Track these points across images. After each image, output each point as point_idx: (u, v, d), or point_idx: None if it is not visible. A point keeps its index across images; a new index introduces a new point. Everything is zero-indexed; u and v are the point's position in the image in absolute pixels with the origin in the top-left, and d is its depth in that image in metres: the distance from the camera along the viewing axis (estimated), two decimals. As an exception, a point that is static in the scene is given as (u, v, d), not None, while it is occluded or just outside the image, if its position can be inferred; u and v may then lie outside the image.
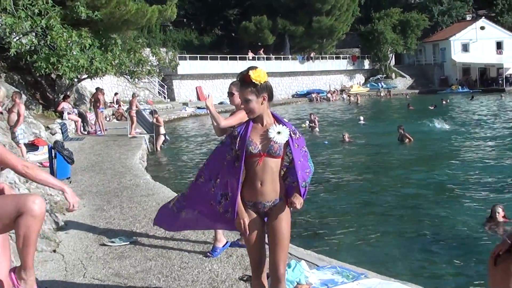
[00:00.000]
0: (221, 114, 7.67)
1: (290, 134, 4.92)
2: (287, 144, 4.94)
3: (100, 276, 7.11)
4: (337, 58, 77.61)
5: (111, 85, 44.94)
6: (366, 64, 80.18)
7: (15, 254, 4.84)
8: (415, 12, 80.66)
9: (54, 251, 8.14)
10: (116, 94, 43.42)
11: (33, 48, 24.75)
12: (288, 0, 70.57)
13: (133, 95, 28.41)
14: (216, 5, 76.78)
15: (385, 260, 10.17)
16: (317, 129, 32.08)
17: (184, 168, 21.46)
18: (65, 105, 27.18)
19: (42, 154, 17.92)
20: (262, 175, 4.85)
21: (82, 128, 27.29)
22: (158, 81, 54.77)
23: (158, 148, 24.79)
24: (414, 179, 18.00)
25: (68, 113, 26.86)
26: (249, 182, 4.90)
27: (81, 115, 28.13)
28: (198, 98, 59.52)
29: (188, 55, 60.24)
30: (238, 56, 64.89)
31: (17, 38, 24.08)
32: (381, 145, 25.92)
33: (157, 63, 35.46)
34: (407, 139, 25.30)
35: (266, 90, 4.87)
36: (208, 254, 7.73)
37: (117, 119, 36.38)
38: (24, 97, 22.87)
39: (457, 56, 77.34)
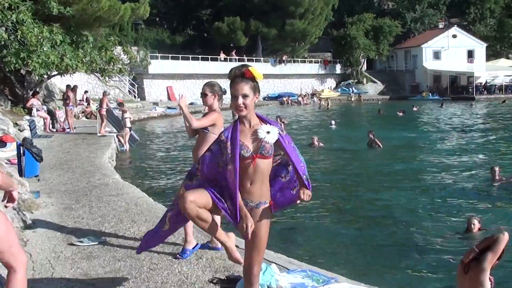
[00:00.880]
0: (192, 115, 7.61)
1: (279, 133, 4.89)
2: (276, 142, 4.91)
3: (68, 276, 7.01)
4: (309, 62, 77.84)
5: (81, 83, 44.55)
6: (338, 68, 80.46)
7: None
8: (388, 18, 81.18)
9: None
10: (86, 92, 43.10)
11: (2, 42, 24.49)
12: (262, 2, 70.71)
13: (104, 94, 28.24)
14: (189, 5, 76.45)
15: (356, 265, 10.21)
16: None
17: (154, 167, 21.37)
18: (34, 102, 26.92)
19: (10, 151, 17.64)
20: (253, 175, 4.81)
21: (51, 126, 27.04)
22: (129, 80, 54.50)
23: (126, 143, 24.56)
24: (384, 184, 18.09)
25: (37, 110, 26.61)
26: (240, 184, 4.84)
27: (50, 112, 27.87)
28: (169, 98, 59.30)
29: (159, 55, 59.97)
30: (210, 56, 64.81)
31: (-14, 32, 23.83)
32: (350, 150, 26.02)
33: (129, 61, 35.27)
34: (377, 145, 25.43)
35: (258, 90, 4.85)
36: (178, 256, 7.66)
37: (87, 117, 36.09)
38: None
39: (429, 63, 77.97)
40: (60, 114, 29.11)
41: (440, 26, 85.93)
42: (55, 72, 28.69)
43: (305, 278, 6.97)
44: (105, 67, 30.81)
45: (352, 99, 71.40)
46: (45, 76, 28.52)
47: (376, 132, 26.83)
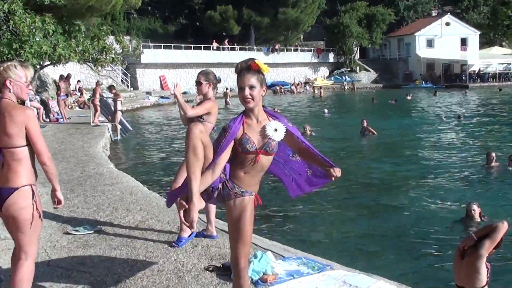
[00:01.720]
0: (187, 103, 7.62)
1: (286, 130, 4.90)
2: (287, 136, 4.94)
3: (65, 264, 7.03)
4: (302, 50, 77.77)
5: (74, 73, 44.42)
6: (331, 57, 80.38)
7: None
8: (381, 6, 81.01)
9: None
10: (78, 81, 43.02)
11: (-6, 33, 24.43)
12: (254, -10, 70.54)
13: (97, 83, 28.20)
14: (181, -6, 76.29)
15: (351, 253, 10.26)
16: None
17: (148, 157, 21.39)
18: (27, 92, 26.83)
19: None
20: (250, 168, 4.83)
21: (44, 116, 27.00)
22: (122, 70, 54.39)
23: (118, 130, 24.66)
24: (379, 172, 18.14)
25: (30, 100, 26.54)
26: (233, 170, 4.86)
27: (43, 102, 27.82)
28: (162, 88, 59.24)
29: (152, 44, 59.81)
30: (202, 45, 64.68)
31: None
32: (344, 138, 26.05)
33: (121, 51, 35.17)
34: (370, 132, 25.47)
35: (265, 83, 4.84)
36: (173, 244, 7.68)
37: (80, 107, 36.03)
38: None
39: (422, 51, 77.98)
40: (53, 104, 29.07)
41: (434, 14, 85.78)
42: (48, 62, 28.61)
43: (301, 266, 7.01)
44: (98, 57, 30.71)
45: (345, 88, 71.39)
46: (38, 66, 28.43)
47: (369, 120, 26.86)
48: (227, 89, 50.71)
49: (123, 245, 7.76)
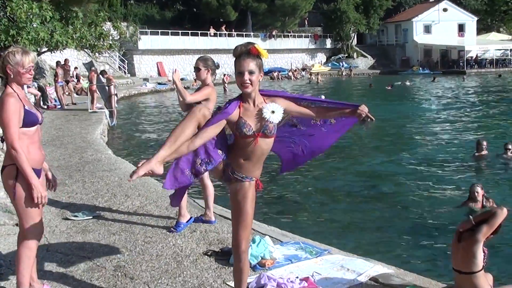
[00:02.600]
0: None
1: (285, 109, 4.92)
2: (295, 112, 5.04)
3: (64, 249, 7.08)
4: (299, 36, 77.62)
5: (71, 59, 44.18)
6: (328, 43, 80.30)
7: None
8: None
9: (17, 224, 8.06)
10: (75, 68, 42.90)
11: (-9, 19, 24.36)
12: (252, -24, 70.30)
13: (92, 70, 28.04)
14: (178, -21, 76.03)
15: (350, 238, 10.32)
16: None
17: (145, 143, 21.44)
18: (24, 78, 26.78)
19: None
20: (250, 154, 4.84)
21: (42, 102, 26.98)
22: (119, 56, 54.28)
23: (114, 109, 24.85)
24: (377, 158, 18.22)
25: (28, 87, 26.47)
26: (235, 158, 4.88)
27: (40, 89, 27.77)
28: (159, 74, 59.17)
29: (149, 30, 59.67)
30: (199, 32, 64.53)
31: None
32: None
33: (118, 37, 35.09)
34: (369, 118, 25.34)
35: (262, 68, 4.86)
36: (172, 229, 7.73)
37: (77, 94, 35.95)
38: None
39: (419, 37, 77.92)
40: (51, 91, 29.03)
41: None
42: (45, 49, 28.55)
43: (298, 250, 7.07)
44: (95, 43, 30.62)
45: (343, 74, 71.34)
46: (35, 53, 28.33)
47: (367, 105, 26.78)
48: (224, 75, 50.63)
49: (122, 230, 7.80)
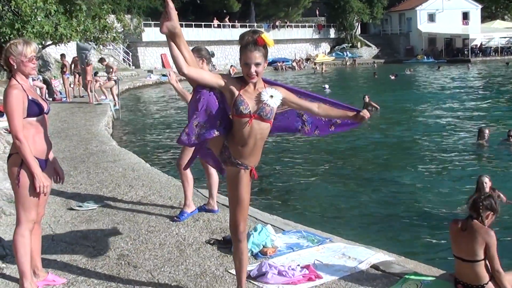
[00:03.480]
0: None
1: (284, 98, 4.99)
2: (287, 97, 5.06)
3: (69, 239, 7.17)
4: (303, 27, 77.50)
5: (75, 52, 44.36)
6: (332, 33, 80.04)
7: None
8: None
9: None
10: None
11: (-4, 14, 24.43)
12: (254, -34, 70.19)
13: (87, 63, 27.60)
14: (181, -29, 75.85)
15: (351, 227, 10.40)
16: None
17: (149, 134, 21.54)
18: (29, 71, 26.85)
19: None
20: (247, 138, 4.88)
21: (47, 95, 27.07)
22: (123, 48, 54.33)
23: (114, 95, 25.24)
24: (381, 147, 18.29)
25: (33, 80, 26.56)
26: (232, 142, 4.95)
27: (45, 82, 27.86)
28: (163, 66, 59.19)
29: (153, 22, 59.63)
30: (203, 23, 64.49)
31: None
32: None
33: (122, 29, 35.12)
34: (373, 107, 25.34)
35: (267, 56, 4.94)
36: (175, 218, 7.81)
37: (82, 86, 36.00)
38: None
39: (423, 26, 77.60)
40: (56, 84, 29.13)
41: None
42: (50, 42, 28.60)
43: (300, 239, 7.14)
44: (99, 36, 30.71)
45: (347, 63, 71.24)
46: (40, 46, 28.42)
47: (371, 95, 26.84)
48: (231, 66, 50.56)
49: (125, 220, 7.89)
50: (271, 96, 4.87)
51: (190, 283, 5.79)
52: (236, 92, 4.82)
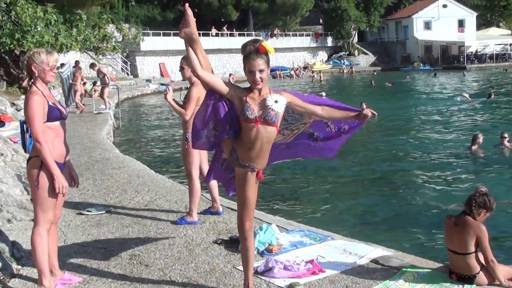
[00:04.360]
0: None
1: (289, 102, 5.24)
2: (291, 104, 5.30)
3: (80, 241, 7.43)
4: (301, 35, 77.79)
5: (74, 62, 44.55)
6: (329, 41, 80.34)
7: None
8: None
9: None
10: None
11: (-4, 23, 24.63)
12: (252, -24, 70.48)
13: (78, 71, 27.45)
14: (178, -20, 76.13)
15: (352, 226, 10.69)
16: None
17: (151, 142, 21.74)
18: (29, 81, 27.02)
19: (9, 130, 18.04)
20: (254, 141, 5.15)
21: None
22: (121, 58, 54.55)
23: (105, 99, 25.72)
24: (380, 150, 18.65)
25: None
26: (240, 145, 5.22)
27: (46, 91, 28.03)
28: (162, 75, 59.42)
29: (151, 31, 59.92)
30: (201, 32, 64.70)
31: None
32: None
33: (122, 39, 35.28)
34: (373, 114, 25.39)
35: (269, 63, 5.21)
36: (177, 221, 8.08)
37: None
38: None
39: (419, 33, 77.97)
40: (55, 93, 29.30)
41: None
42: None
43: (303, 237, 7.45)
44: (99, 45, 30.94)
45: (344, 71, 71.49)
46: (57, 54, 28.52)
47: (369, 102, 27.05)
48: (230, 74, 50.71)
49: (134, 223, 8.16)
50: (276, 101, 5.13)
51: (200, 279, 6.08)
52: (243, 99, 5.11)
